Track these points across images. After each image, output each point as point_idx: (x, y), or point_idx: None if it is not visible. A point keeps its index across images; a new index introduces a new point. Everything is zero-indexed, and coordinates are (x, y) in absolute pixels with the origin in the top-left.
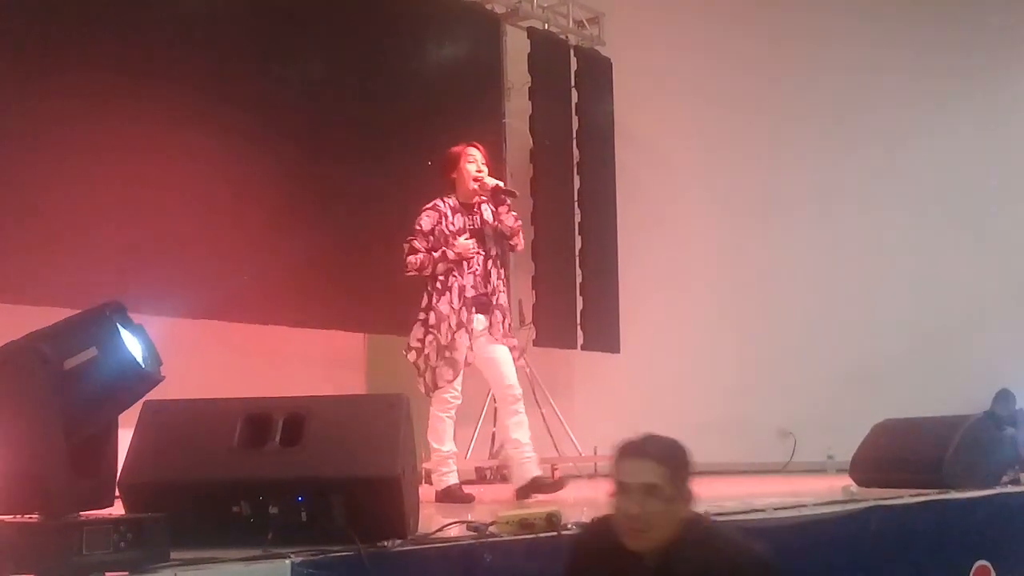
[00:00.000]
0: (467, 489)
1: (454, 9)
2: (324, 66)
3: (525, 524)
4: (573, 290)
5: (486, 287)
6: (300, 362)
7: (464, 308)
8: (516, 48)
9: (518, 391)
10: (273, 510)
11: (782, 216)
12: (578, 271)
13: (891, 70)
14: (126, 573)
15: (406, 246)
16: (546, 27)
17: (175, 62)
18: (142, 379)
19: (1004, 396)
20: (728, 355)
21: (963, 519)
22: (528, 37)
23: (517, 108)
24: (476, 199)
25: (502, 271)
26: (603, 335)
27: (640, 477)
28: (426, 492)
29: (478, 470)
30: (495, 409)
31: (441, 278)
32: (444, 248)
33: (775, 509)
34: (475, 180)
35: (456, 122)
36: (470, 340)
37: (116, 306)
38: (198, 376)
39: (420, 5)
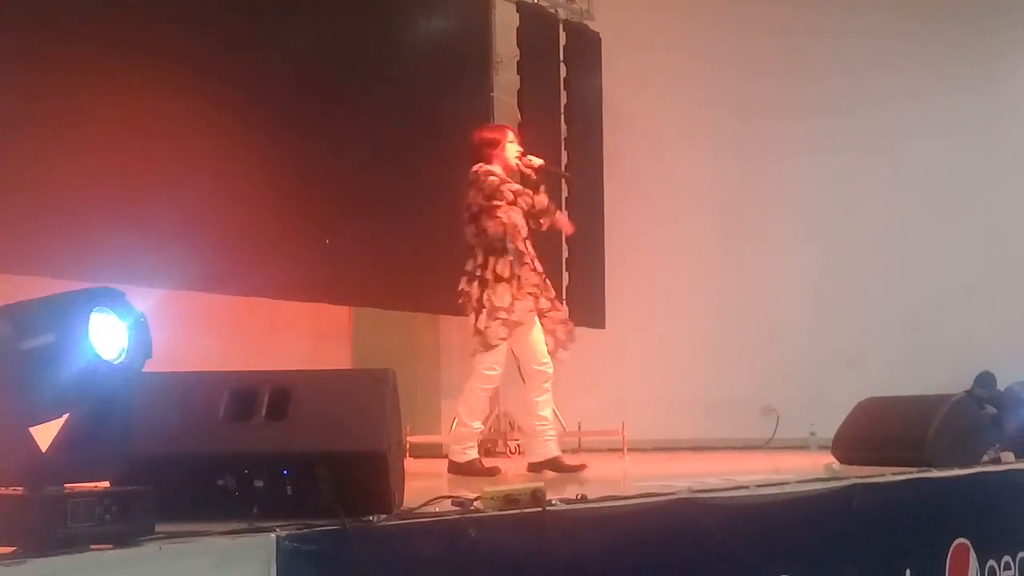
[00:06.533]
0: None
1: None
2: (312, 39)
3: (510, 499)
4: (559, 265)
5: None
6: (286, 335)
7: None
8: (505, 21)
9: (551, 368)
10: (258, 484)
11: (770, 194)
12: (564, 246)
13: (878, 37)
14: (111, 546)
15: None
16: (535, 1)
17: (161, 35)
18: (111, 372)
19: (985, 377)
20: (713, 332)
21: (943, 497)
22: (517, 10)
23: (505, 82)
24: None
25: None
26: (589, 310)
27: None
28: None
29: None
30: None
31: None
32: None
33: (757, 486)
34: (519, 158)
35: (444, 95)
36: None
37: (104, 292)
38: (183, 348)
39: None
